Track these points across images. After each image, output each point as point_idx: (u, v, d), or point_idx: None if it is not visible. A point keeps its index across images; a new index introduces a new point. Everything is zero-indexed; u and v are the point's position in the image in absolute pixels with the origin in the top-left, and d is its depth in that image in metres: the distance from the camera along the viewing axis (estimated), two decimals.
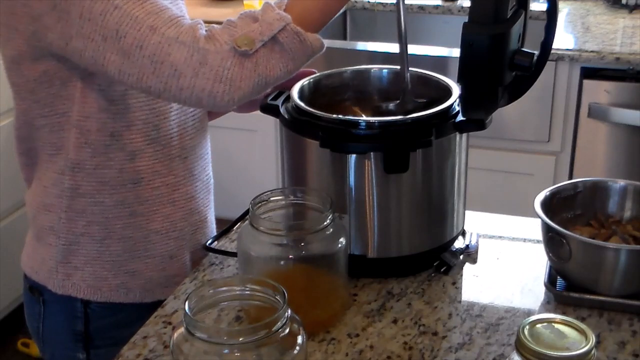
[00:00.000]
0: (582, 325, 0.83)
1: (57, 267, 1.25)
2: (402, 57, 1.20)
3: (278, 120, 1.23)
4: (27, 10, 1.09)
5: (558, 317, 0.85)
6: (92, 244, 1.23)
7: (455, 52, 2.46)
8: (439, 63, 2.49)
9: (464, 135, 1.19)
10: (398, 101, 1.25)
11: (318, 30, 1.11)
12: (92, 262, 1.24)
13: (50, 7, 1.06)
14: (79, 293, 1.25)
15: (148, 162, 1.21)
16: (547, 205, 1.17)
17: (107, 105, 1.16)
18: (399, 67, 1.29)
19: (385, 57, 2.50)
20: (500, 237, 1.34)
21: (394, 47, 2.52)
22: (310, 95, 1.27)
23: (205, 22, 1.09)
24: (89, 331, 1.27)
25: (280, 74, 1.08)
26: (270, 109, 1.24)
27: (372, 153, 1.13)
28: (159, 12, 1.05)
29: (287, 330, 0.85)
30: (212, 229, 1.38)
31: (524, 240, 1.32)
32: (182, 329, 0.85)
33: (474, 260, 1.26)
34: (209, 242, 1.30)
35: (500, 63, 1.08)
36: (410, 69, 1.28)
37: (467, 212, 1.29)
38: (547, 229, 1.13)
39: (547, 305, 1.14)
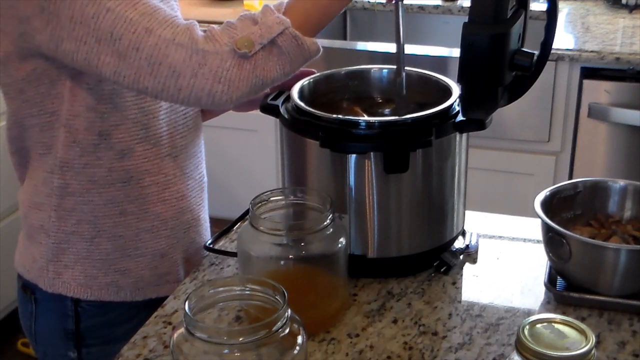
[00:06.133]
0: (582, 325, 0.83)
1: (48, 265, 1.25)
2: (399, 62, 1.20)
3: (278, 120, 1.23)
4: (13, 12, 1.09)
5: (558, 317, 0.85)
6: (82, 242, 1.23)
7: (455, 52, 2.46)
8: (439, 63, 2.49)
9: (464, 135, 1.19)
10: (394, 107, 1.25)
11: (317, 32, 1.12)
12: (82, 260, 1.24)
13: (38, 10, 1.06)
14: (69, 291, 1.25)
15: (137, 161, 1.21)
16: (547, 205, 1.17)
17: (96, 104, 1.16)
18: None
19: (385, 57, 2.50)
20: (500, 237, 1.34)
21: (394, 47, 2.51)
22: (310, 95, 1.27)
23: (205, 22, 1.09)
24: (80, 330, 1.27)
25: (277, 75, 1.09)
26: (270, 109, 1.24)
27: (372, 153, 1.13)
28: (153, 13, 1.05)
29: (287, 330, 0.85)
30: (206, 227, 1.38)
31: (524, 240, 1.32)
32: (182, 329, 0.85)
33: (474, 260, 1.26)
34: (209, 242, 1.29)
35: (500, 63, 1.08)
36: (410, 69, 1.28)
37: (467, 212, 1.29)
38: (547, 229, 1.13)
39: (547, 305, 1.14)
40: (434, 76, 1.29)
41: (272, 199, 1.12)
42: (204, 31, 1.07)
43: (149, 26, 1.04)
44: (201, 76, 1.05)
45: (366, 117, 1.25)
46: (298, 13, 1.10)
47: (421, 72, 1.30)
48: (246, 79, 1.07)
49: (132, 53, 1.04)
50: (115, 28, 1.04)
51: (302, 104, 1.19)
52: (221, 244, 1.31)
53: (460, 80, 1.09)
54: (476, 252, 1.28)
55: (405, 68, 1.25)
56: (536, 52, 1.14)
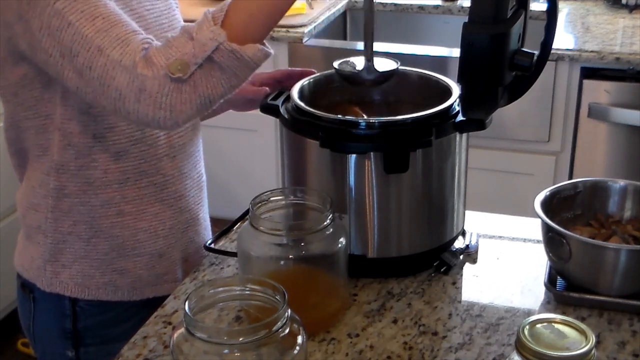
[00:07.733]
0: (582, 325, 0.83)
1: (46, 265, 1.25)
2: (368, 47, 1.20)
3: (278, 120, 1.23)
4: (1, 16, 1.09)
5: (558, 317, 0.85)
6: (80, 242, 1.23)
7: (455, 52, 2.46)
8: (439, 63, 2.49)
9: (464, 135, 1.19)
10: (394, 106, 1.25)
11: (267, 32, 1.05)
12: (79, 260, 1.24)
13: (17, 17, 1.06)
14: (67, 291, 1.25)
15: (134, 162, 1.20)
16: (547, 205, 1.17)
17: (88, 108, 1.15)
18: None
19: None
20: (500, 237, 1.34)
21: (394, 47, 2.52)
22: (310, 95, 1.26)
23: None
24: (78, 329, 1.27)
25: (224, 90, 1.04)
26: (270, 109, 1.24)
27: (372, 153, 1.13)
28: (109, 30, 1.02)
29: (287, 330, 0.85)
30: (206, 227, 1.37)
31: (524, 240, 1.32)
32: (182, 329, 0.85)
33: (474, 260, 1.26)
34: (209, 242, 1.29)
35: (500, 63, 1.08)
36: (410, 69, 1.29)
37: (467, 212, 1.29)
38: (547, 229, 1.13)
39: (547, 305, 1.14)
40: (434, 76, 1.29)
41: (272, 199, 1.12)
42: (146, 50, 1.02)
43: (101, 45, 1.01)
44: (143, 102, 1.02)
45: (366, 117, 1.25)
46: (240, 16, 1.02)
47: (421, 72, 1.30)
48: (189, 102, 1.02)
49: (87, 71, 1.03)
50: (74, 44, 1.02)
51: (302, 104, 1.19)
52: (221, 244, 1.31)
53: (460, 80, 1.09)
54: (476, 252, 1.28)
55: (406, 68, 1.25)
56: (536, 52, 1.14)
